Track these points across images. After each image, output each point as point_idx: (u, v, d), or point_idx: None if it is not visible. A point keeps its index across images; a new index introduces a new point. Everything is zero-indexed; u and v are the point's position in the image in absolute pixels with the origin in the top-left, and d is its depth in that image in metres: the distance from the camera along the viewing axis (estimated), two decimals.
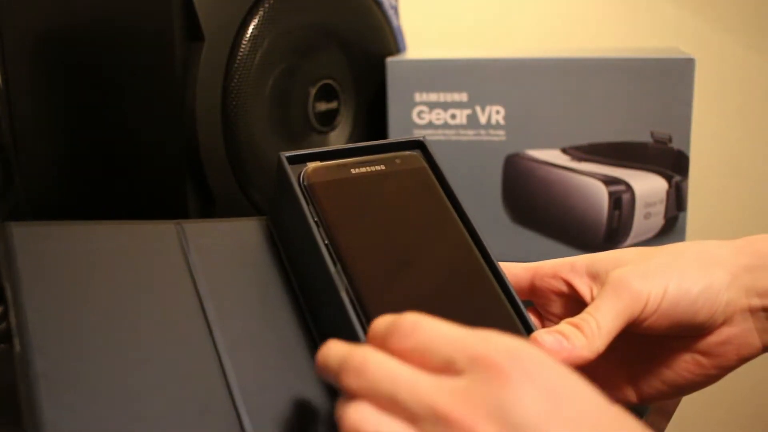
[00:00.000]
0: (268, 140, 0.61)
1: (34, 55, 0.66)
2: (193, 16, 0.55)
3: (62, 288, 0.36)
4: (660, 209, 0.64)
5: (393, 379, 0.30)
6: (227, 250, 0.42)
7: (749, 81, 1.08)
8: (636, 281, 0.38)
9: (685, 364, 0.41)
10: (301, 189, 0.40)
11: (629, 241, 0.65)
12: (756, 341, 0.40)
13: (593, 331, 0.36)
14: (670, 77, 0.61)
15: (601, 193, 0.64)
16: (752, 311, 0.39)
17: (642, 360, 0.42)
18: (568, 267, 0.41)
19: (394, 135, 0.67)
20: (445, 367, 0.30)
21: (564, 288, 0.41)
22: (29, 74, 0.67)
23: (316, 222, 0.39)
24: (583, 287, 0.40)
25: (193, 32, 0.55)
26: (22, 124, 0.69)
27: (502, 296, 0.39)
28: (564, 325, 0.37)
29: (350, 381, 0.31)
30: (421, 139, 0.44)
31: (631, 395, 0.42)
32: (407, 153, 0.44)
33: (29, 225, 0.37)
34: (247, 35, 0.58)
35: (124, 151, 0.61)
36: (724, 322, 0.39)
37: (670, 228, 0.65)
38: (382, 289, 0.38)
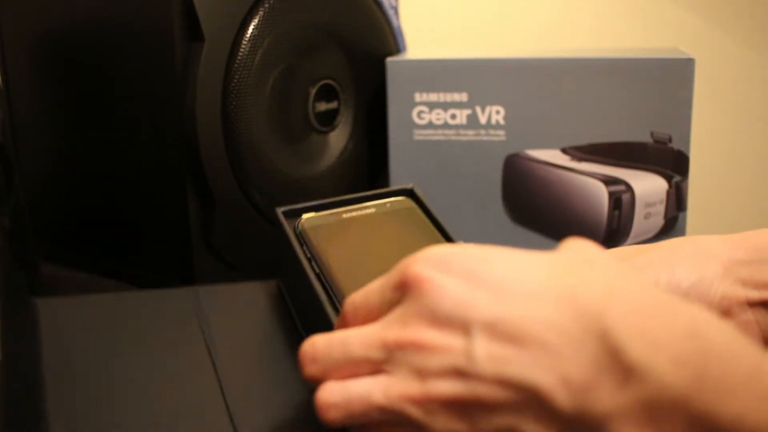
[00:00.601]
0: (268, 140, 0.61)
1: (34, 55, 0.66)
2: (193, 16, 0.55)
3: (81, 358, 0.38)
4: (660, 209, 0.64)
5: (343, 344, 0.31)
6: (239, 313, 0.44)
7: (749, 81, 1.08)
8: None
9: None
10: (296, 235, 0.44)
11: (629, 241, 0.65)
12: (755, 334, 0.39)
13: None
14: (670, 77, 0.61)
15: (601, 193, 0.64)
16: (751, 304, 0.39)
17: None
18: None
19: (395, 135, 0.67)
20: (385, 309, 0.32)
21: None
22: (29, 74, 0.67)
23: (308, 258, 0.42)
24: None
25: (193, 32, 0.55)
26: (22, 124, 0.69)
27: None
28: None
29: (310, 369, 0.32)
30: (410, 187, 0.47)
31: None
32: (397, 198, 0.47)
33: (53, 300, 0.40)
34: (247, 35, 0.58)
35: (124, 151, 0.61)
36: (722, 315, 0.39)
37: (670, 228, 0.65)
38: None
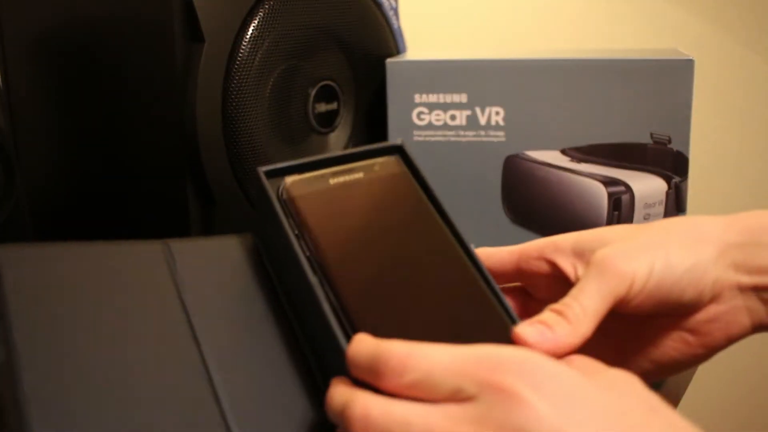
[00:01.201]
0: (268, 141, 0.61)
1: (34, 56, 0.66)
2: (193, 17, 0.55)
3: (49, 308, 0.36)
4: (659, 210, 0.64)
5: (403, 422, 0.29)
6: (214, 268, 0.42)
7: (749, 81, 1.08)
8: (621, 261, 0.36)
9: (672, 343, 0.40)
10: (280, 203, 0.40)
11: None
12: (745, 320, 0.39)
13: (578, 316, 0.35)
14: (670, 78, 0.61)
15: (600, 194, 0.64)
16: (741, 289, 0.38)
17: (628, 338, 0.41)
18: (552, 247, 0.40)
19: (394, 136, 0.67)
20: (452, 396, 0.29)
21: (549, 269, 0.40)
22: (29, 74, 0.67)
23: (296, 235, 0.39)
24: (568, 267, 0.39)
25: (194, 33, 0.55)
26: (22, 124, 0.69)
27: (487, 292, 0.39)
28: (547, 314, 0.35)
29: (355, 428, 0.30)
30: (399, 143, 0.44)
31: None
32: (385, 159, 0.44)
33: (15, 247, 0.38)
34: (248, 36, 0.58)
35: (125, 152, 0.61)
36: (712, 299, 0.38)
37: None
38: (366, 297, 0.37)
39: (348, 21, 0.67)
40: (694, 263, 0.37)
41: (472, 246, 0.40)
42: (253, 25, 0.58)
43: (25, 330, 0.34)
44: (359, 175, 0.42)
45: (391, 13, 0.72)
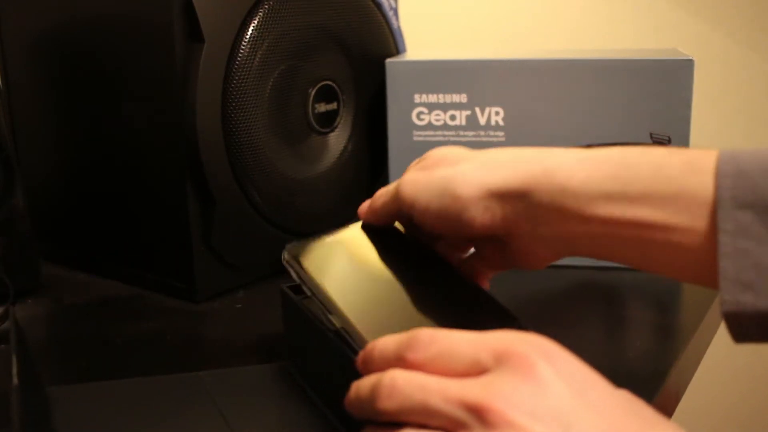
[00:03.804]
0: (268, 141, 0.61)
1: (35, 56, 0.66)
2: (193, 18, 0.55)
3: None
4: None
5: (423, 389, 0.30)
6: (251, 395, 0.44)
7: (749, 81, 1.08)
8: (404, 187, 0.43)
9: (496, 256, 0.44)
10: (287, 265, 0.44)
11: None
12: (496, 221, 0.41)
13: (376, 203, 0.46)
14: (670, 78, 0.61)
15: None
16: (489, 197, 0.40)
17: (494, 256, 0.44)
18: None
19: (394, 136, 0.67)
20: (471, 369, 0.31)
21: None
22: (29, 75, 0.67)
23: (301, 280, 0.43)
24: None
25: (194, 33, 0.55)
26: (22, 124, 0.69)
27: (483, 296, 0.41)
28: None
29: (384, 404, 0.31)
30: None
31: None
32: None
33: (64, 387, 0.40)
34: (247, 36, 0.58)
35: (125, 152, 0.61)
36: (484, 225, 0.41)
37: None
38: (375, 325, 0.39)
39: (348, 21, 0.67)
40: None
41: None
42: (253, 25, 0.58)
43: None
44: (354, 231, 0.47)
45: (391, 13, 0.72)
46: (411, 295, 0.41)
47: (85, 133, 0.64)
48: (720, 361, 1.12)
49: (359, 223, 0.48)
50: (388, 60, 0.66)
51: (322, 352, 0.42)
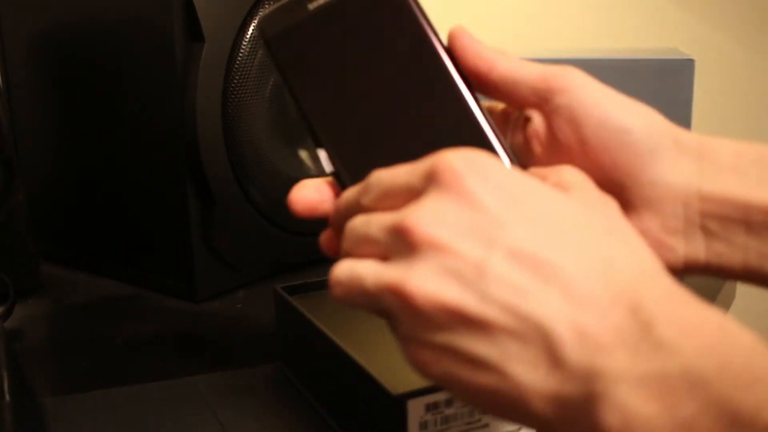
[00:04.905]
0: (268, 140, 0.61)
1: (35, 56, 0.66)
2: (193, 17, 0.55)
3: None
4: None
5: (365, 223, 0.31)
6: (246, 394, 0.45)
7: (749, 81, 1.08)
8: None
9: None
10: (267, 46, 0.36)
11: None
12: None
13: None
14: (670, 78, 0.61)
15: None
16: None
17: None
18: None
19: None
20: (409, 197, 0.30)
21: None
22: (29, 75, 0.67)
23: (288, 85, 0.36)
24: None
25: (194, 33, 0.55)
26: (22, 124, 0.69)
27: (482, 125, 0.37)
28: None
29: (343, 245, 0.32)
30: None
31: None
32: None
33: (62, 398, 0.40)
34: (248, 36, 0.58)
35: (124, 152, 0.61)
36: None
37: None
38: (361, 149, 0.35)
39: None
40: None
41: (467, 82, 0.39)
42: (253, 24, 0.58)
43: None
44: None
45: None
46: (395, 118, 0.36)
47: (85, 133, 0.64)
48: None
49: None
50: None
51: (315, 352, 0.42)
